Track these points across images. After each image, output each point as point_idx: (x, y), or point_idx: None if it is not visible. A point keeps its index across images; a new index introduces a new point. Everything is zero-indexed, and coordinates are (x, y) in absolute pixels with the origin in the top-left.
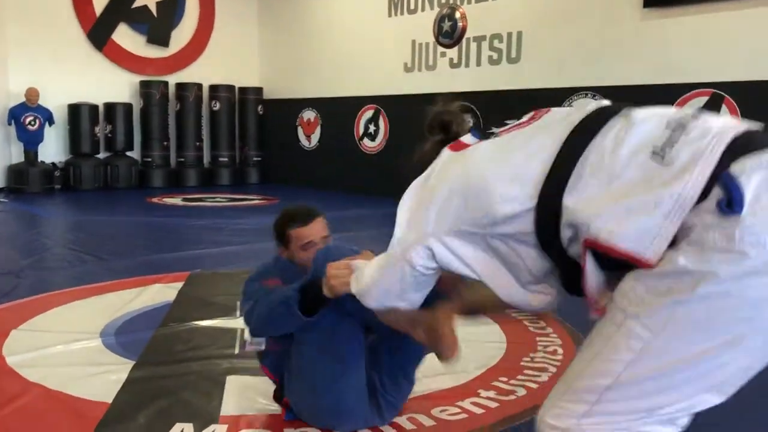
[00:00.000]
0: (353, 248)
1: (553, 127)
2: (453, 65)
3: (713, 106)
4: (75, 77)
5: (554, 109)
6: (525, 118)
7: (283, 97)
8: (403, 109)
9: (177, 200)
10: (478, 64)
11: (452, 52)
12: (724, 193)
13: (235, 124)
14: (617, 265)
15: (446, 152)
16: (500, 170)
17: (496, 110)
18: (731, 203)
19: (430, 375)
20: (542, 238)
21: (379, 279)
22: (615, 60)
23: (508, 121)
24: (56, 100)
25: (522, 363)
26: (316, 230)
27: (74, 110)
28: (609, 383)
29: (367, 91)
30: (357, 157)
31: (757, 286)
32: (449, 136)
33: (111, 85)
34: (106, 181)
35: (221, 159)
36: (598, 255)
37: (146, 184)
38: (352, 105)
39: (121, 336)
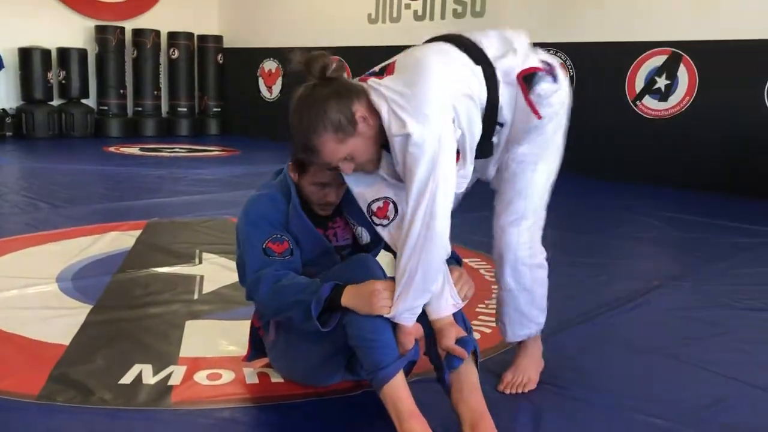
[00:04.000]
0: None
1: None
2: (417, 18)
3: (673, 64)
4: (26, 19)
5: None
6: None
7: (244, 46)
8: (366, 62)
9: (134, 150)
10: (443, 17)
11: (416, 4)
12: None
13: (195, 73)
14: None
15: (373, 80)
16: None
17: None
18: (555, 77)
19: None
20: (490, 92)
21: (434, 179)
22: (578, 17)
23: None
24: (5, 42)
25: (477, 309)
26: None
27: (25, 54)
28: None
29: (329, 42)
30: None
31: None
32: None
33: (64, 29)
34: (60, 129)
35: (180, 109)
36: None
37: (102, 133)
38: None
39: (78, 281)
